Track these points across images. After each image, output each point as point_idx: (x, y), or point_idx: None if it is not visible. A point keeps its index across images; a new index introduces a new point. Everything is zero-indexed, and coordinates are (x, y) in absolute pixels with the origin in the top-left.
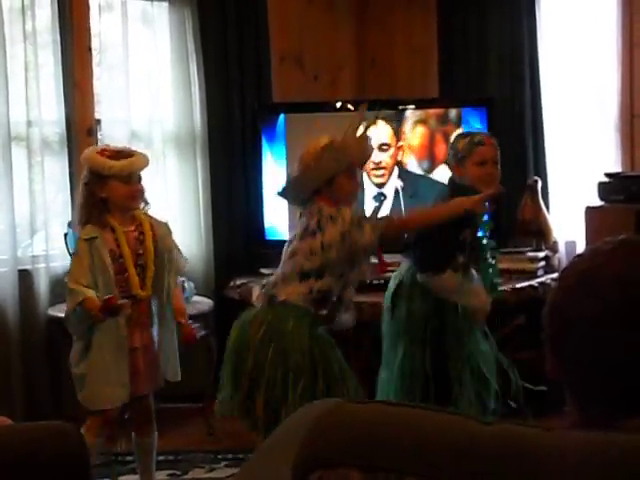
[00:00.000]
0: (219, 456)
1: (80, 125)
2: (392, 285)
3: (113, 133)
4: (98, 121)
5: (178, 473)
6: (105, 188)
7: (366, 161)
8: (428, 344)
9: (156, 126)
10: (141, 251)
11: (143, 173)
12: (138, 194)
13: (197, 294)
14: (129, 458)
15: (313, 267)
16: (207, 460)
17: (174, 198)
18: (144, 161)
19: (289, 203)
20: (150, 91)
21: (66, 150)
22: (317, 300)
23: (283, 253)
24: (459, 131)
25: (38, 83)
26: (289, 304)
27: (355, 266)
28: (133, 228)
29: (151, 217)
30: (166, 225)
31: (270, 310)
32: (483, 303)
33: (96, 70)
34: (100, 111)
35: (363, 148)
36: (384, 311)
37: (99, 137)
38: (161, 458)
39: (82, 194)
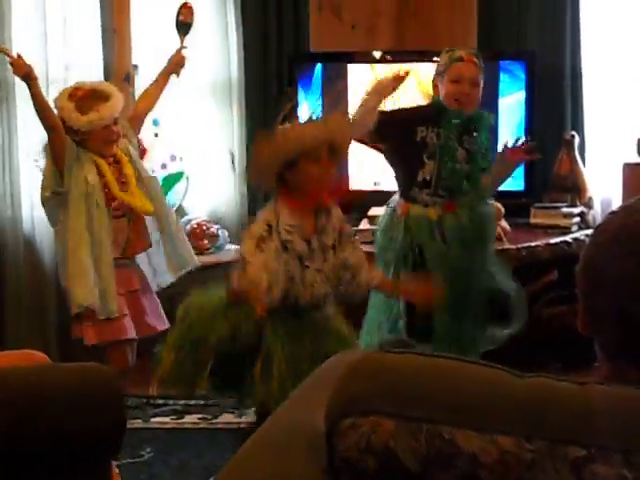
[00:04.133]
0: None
1: (117, 70)
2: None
3: (150, 79)
4: (135, 66)
5: (208, 417)
6: (79, 133)
7: (340, 145)
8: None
9: (192, 72)
10: (123, 180)
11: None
12: (114, 138)
13: (230, 242)
14: (160, 401)
15: None
16: (237, 405)
17: (209, 145)
18: (114, 108)
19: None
20: (188, 38)
21: None
22: None
23: None
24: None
25: (77, 27)
26: None
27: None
28: (112, 160)
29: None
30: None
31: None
32: None
33: (134, 15)
34: (137, 56)
35: (331, 130)
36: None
37: (136, 82)
38: (192, 402)
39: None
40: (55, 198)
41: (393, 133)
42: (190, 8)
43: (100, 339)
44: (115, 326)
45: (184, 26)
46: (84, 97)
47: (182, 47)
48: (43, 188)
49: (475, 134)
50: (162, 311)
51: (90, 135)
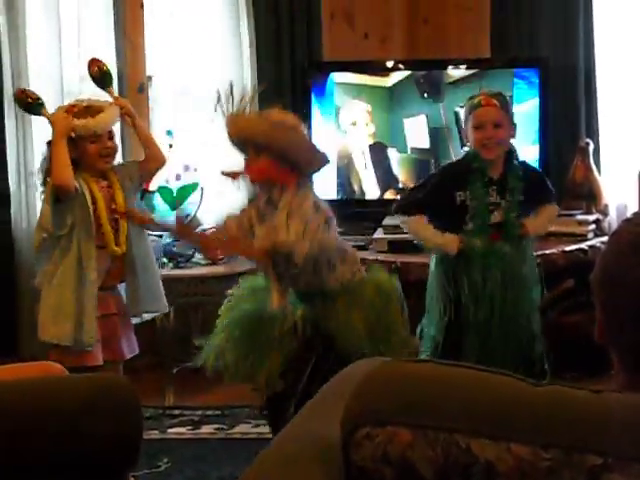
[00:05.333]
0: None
1: (131, 81)
2: None
3: (164, 89)
4: (149, 77)
5: (224, 427)
6: (74, 149)
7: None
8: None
9: (206, 82)
10: (114, 206)
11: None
12: (108, 152)
13: None
14: (177, 412)
15: None
16: (253, 416)
17: (223, 156)
18: (111, 117)
19: None
20: (201, 48)
21: None
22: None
23: None
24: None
25: (90, 39)
26: None
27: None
28: (105, 184)
29: (116, 169)
30: (129, 165)
31: None
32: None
33: (147, 26)
34: (151, 67)
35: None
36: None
37: (150, 93)
38: (208, 413)
39: (50, 153)
40: (50, 240)
41: (433, 204)
42: (94, 60)
43: (61, 361)
44: (80, 354)
45: (102, 78)
46: (79, 112)
47: (115, 98)
48: (41, 229)
49: (510, 187)
50: (134, 338)
51: (85, 149)
